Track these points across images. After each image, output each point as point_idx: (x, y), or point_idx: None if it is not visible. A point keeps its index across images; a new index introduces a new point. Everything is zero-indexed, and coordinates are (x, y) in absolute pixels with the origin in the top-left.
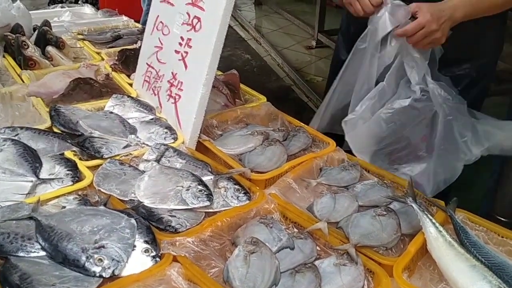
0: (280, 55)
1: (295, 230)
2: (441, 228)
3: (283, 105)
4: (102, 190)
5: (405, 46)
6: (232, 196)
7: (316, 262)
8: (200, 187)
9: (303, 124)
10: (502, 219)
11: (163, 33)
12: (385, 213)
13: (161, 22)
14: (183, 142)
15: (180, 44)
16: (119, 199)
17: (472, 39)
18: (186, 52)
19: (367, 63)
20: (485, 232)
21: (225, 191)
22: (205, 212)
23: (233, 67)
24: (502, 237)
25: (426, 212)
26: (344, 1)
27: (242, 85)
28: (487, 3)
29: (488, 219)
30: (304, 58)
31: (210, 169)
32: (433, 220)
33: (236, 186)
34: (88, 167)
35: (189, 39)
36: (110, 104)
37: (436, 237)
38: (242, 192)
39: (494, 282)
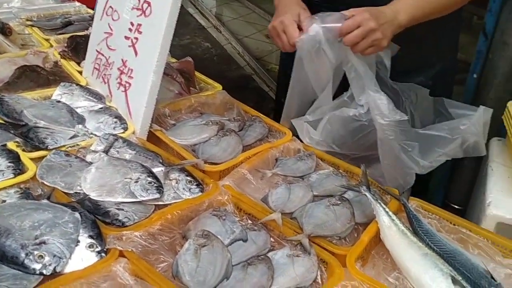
0: (240, 44)
1: (249, 221)
2: (394, 217)
3: (244, 94)
4: (45, 182)
5: (346, 55)
6: (183, 188)
7: (270, 254)
8: (149, 179)
9: (260, 114)
10: (456, 206)
11: (112, 19)
12: (339, 202)
13: (110, 7)
14: (133, 132)
15: (130, 29)
16: (63, 192)
17: (425, 49)
18: (136, 38)
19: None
20: (438, 220)
21: (176, 183)
22: (155, 205)
23: (193, 55)
24: (454, 224)
25: (379, 201)
26: (270, 35)
27: (197, 73)
28: (433, 4)
29: (443, 207)
30: (265, 47)
31: (161, 160)
32: (386, 209)
33: (188, 178)
34: (32, 159)
35: (139, 25)
36: (57, 92)
37: (389, 226)
38: (195, 184)
39: (446, 270)
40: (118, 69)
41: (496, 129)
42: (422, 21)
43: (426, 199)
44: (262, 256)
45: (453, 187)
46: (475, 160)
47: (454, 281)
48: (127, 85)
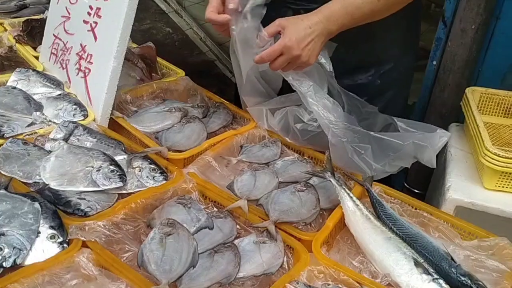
0: (202, 29)
1: (215, 209)
2: (358, 202)
3: (206, 81)
4: (2, 172)
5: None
6: (147, 176)
7: (236, 241)
8: (112, 167)
9: (224, 100)
10: (416, 190)
11: (70, 2)
12: (304, 188)
13: None
14: (94, 120)
15: (89, 13)
16: (22, 181)
17: (373, 45)
18: (96, 23)
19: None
20: (400, 205)
21: (139, 171)
22: (118, 194)
23: (154, 40)
24: (416, 209)
25: (344, 187)
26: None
27: (159, 59)
28: (363, 10)
29: (403, 192)
30: None
31: (123, 148)
32: (351, 194)
33: (152, 166)
34: None
35: (98, 8)
36: (13, 78)
37: (353, 211)
38: (158, 171)
39: (408, 253)
40: (77, 54)
41: (455, 115)
42: (353, 27)
43: (388, 184)
44: (228, 244)
45: (413, 172)
46: None
47: (417, 263)
48: (86, 71)
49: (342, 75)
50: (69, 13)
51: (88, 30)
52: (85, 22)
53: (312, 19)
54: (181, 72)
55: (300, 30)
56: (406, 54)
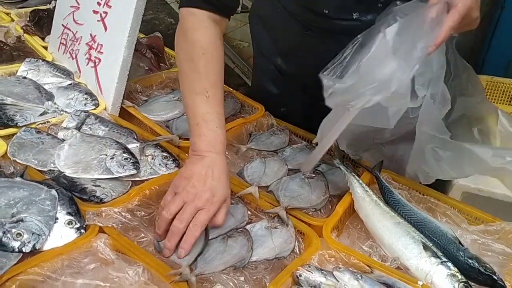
0: None
1: None
2: (367, 188)
3: None
4: (17, 160)
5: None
6: (160, 164)
7: (248, 226)
8: (125, 155)
9: (231, 89)
10: None
11: None
12: (313, 175)
13: None
14: (105, 109)
15: (99, 3)
16: (37, 169)
17: None
18: (106, 13)
19: None
20: (408, 191)
21: (152, 158)
22: (132, 181)
23: (156, 31)
24: (423, 194)
25: (353, 173)
26: None
27: (166, 49)
28: None
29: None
30: (229, 23)
31: (135, 137)
32: (360, 181)
33: (164, 154)
34: (1, 137)
35: None
36: (23, 68)
37: (362, 197)
38: (171, 159)
39: (417, 237)
40: (87, 44)
41: None
42: None
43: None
44: (241, 229)
45: None
46: None
47: (425, 247)
48: (96, 60)
49: None
50: (78, 3)
51: (98, 20)
52: (95, 12)
53: None
54: None
55: None
56: None
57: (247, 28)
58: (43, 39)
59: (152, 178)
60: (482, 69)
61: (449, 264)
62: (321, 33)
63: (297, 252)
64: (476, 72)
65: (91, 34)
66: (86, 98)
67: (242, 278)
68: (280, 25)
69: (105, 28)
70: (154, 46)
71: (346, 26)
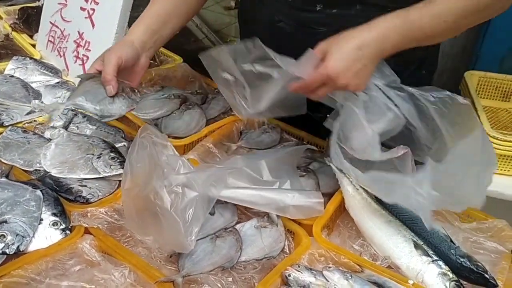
0: (198, 16)
1: None
2: (358, 186)
3: (203, 68)
4: (3, 160)
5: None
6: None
7: (237, 226)
8: (112, 154)
9: None
10: None
11: None
12: (304, 173)
13: None
14: None
15: (86, 0)
16: (22, 169)
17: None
18: (93, 9)
19: None
20: None
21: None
22: (119, 181)
23: None
24: None
25: (343, 171)
26: None
27: None
28: (426, 31)
29: None
30: (223, 19)
31: (123, 135)
32: (351, 179)
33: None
34: None
35: None
36: (10, 67)
37: (353, 195)
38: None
39: (408, 236)
40: (75, 41)
41: None
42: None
43: None
44: (230, 229)
45: None
46: None
47: (416, 245)
48: (84, 58)
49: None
50: (66, 1)
51: (86, 17)
52: (82, 9)
53: (363, 37)
54: (179, 59)
55: (347, 54)
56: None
57: None
58: (31, 36)
59: None
60: (475, 65)
61: (440, 262)
62: (291, 25)
63: (287, 251)
64: (470, 68)
65: (78, 31)
66: None
67: (230, 279)
68: (259, 19)
69: (93, 25)
70: None
71: (312, 18)
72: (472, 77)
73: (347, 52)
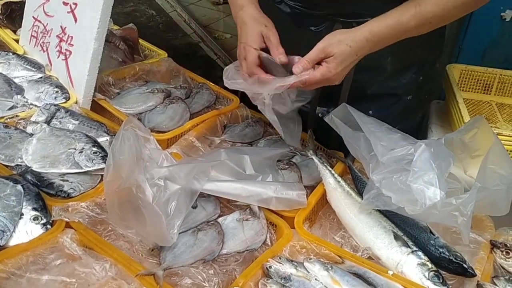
0: (186, 11)
1: None
2: (339, 179)
3: (191, 63)
4: None
5: None
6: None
7: (219, 219)
8: (94, 149)
9: (207, 81)
10: None
11: None
12: (287, 166)
13: None
14: (76, 102)
15: None
16: (4, 164)
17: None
18: (75, 4)
19: None
20: None
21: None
22: (101, 175)
23: (137, 23)
24: None
25: (325, 164)
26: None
27: (141, 40)
28: (414, 33)
29: None
30: (212, 15)
31: (106, 130)
32: (332, 172)
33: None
34: None
35: None
36: None
37: (335, 188)
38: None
39: (388, 227)
40: (57, 36)
41: (437, 92)
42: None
43: None
44: (212, 222)
45: None
46: (416, 122)
47: (396, 237)
48: (67, 53)
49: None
50: None
51: (68, 12)
52: (65, 3)
53: (360, 45)
54: (163, 54)
55: (347, 59)
56: (441, 42)
57: (229, 20)
58: (15, 32)
59: None
60: (458, 57)
61: (420, 253)
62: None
63: (269, 244)
64: (452, 61)
65: (61, 26)
66: (57, 92)
67: (211, 271)
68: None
69: (75, 20)
70: (128, 37)
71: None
72: (454, 70)
73: (347, 58)
